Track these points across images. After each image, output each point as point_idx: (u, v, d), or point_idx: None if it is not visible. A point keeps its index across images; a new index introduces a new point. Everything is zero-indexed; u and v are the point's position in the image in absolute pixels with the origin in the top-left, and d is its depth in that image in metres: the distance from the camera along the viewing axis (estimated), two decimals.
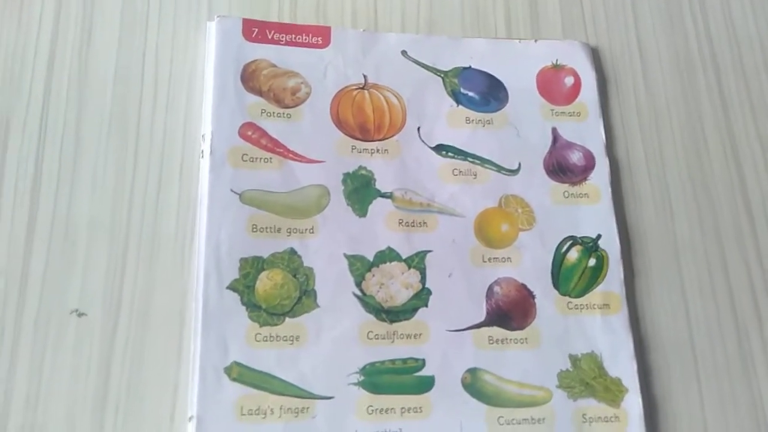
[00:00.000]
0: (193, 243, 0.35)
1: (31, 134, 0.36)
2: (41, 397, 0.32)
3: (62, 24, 0.39)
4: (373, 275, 0.36)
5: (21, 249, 0.34)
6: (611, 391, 0.36)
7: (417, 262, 0.37)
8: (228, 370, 0.33)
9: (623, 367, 0.36)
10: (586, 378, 0.36)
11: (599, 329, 0.37)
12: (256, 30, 0.39)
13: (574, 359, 0.36)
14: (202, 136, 0.37)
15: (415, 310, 0.36)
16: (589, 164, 0.40)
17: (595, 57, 0.43)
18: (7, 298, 0.33)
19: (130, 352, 0.33)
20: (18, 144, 0.36)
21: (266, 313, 0.34)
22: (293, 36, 0.40)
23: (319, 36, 0.40)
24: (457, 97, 0.40)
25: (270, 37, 0.39)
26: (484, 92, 0.41)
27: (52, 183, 0.36)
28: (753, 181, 0.42)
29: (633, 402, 0.36)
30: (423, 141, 0.39)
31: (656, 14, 0.46)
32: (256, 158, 0.37)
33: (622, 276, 0.38)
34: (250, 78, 0.38)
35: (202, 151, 0.37)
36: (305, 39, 0.40)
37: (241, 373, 0.33)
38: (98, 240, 0.35)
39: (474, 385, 0.35)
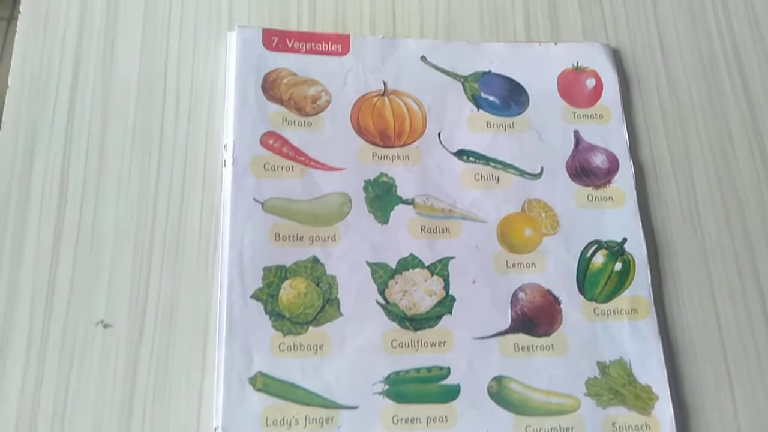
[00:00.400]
0: (217, 252, 0.36)
1: (57, 147, 0.37)
2: (68, 408, 0.32)
3: (86, 37, 0.39)
4: (396, 282, 0.36)
5: (48, 261, 0.35)
6: (641, 399, 0.35)
7: (440, 269, 0.36)
8: (252, 381, 0.33)
9: (653, 373, 0.36)
10: (615, 385, 0.35)
11: (627, 335, 0.36)
12: (276, 39, 0.39)
13: (602, 366, 0.35)
14: (224, 145, 0.37)
15: (439, 317, 0.35)
16: (613, 167, 0.40)
17: (617, 58, 0.43)
18: (34, 310, 0.34)
19: (155, 363, 0.33)
20: (44, 156, 0.37)
21: (290, 322, 0.34)
22: (313, 44, 0.40)
23: (338, 44, 0.40)
24: (478, 102, 0.40)
25: (290, 45, 0.39)
26: (504, 96, 0.40)
27: (77, 194, 0.36)
28: None
29: (664, 410, 0.35)
30: (444, 146, 0.39)
31: (678, 13, 0.45)
32: (278, 167, 0.37)
33: (649, 280, 0.37)
34: (271, 87, 0.38)
35: (225, 161, 0.37)
36: (325, 47, 0.40)
37: (265, 384, 0.33)
38: (123, 250, 0.35)
39: (500, 393, 0.34)
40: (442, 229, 0.37)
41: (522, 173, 0.39)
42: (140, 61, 0.39)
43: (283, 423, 0.32)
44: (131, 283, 0.35)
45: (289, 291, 0.34)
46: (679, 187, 0.41)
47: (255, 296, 0.34)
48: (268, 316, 0.34)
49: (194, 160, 0.37)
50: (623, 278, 0.37)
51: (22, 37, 0.39)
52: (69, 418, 0.32)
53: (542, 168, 0.39)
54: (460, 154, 0.39)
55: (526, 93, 0.41)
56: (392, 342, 0.35)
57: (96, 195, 0.36)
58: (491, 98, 0.40)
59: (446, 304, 0.36)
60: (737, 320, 0.38)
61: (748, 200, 0.41)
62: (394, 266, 0.36)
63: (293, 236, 0.35)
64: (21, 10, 0.39)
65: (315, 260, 0.35)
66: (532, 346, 0.36)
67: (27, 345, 0.33)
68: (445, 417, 0.34)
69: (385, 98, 0.39)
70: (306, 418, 0.32)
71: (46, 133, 0.37)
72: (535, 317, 0.36)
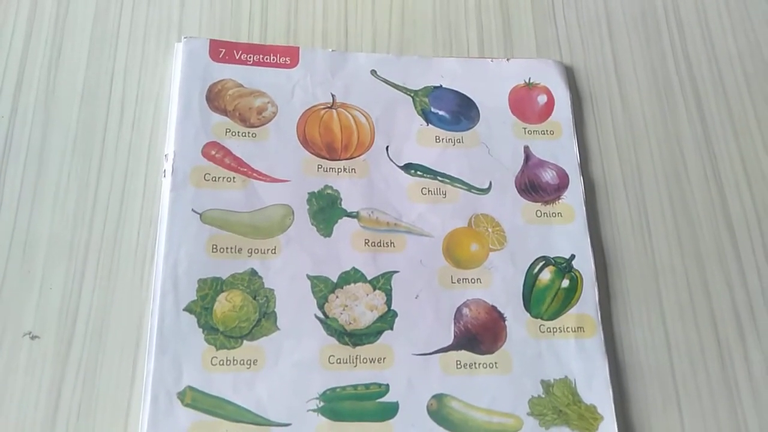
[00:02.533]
0: (153, 264, 0.35)
1: None
2: None
3: (33, 43, 0.39)
4: (337, 297, 0.35)
5: None
6: (586, 419, 0.34)
7: (383, 283, 0.36)
8: (181, 395, 0.32)
9: (598, 393, 0.35)
10: (559, 405, 0.34)
11: (573, 353, 0.35)
12: (223, 51, 0.39)
13: (546, 385, 0.35)
14: (165, 155, 0.37)
15: (379, 333, 0.35)
16: (563, 183, 0.39)
17: (570, 76, 0.43)
18: None
19: (82, 375, 0.32)
20: None
21: (223, 335, 0.33)
22: (261, 56, 0.39)
23: (287, 56, 0.40)
24: (427, 116, 0.40)
25: (237, 57, 0.39)
26: (454, 111, 0.40)
27: (12, 202, 0.35)
28: (735, 201, 0.41)
29: (609, 430, 0.34)
30: (391, 160, 0.39)
31: (632, 32, 0.45)
32: (219, 177, 0.36)
33: (597, 298, 0.37)
34: (216, 98, 0.38)
35: (165, 171, 0.36)
36: (273, 59, 0.39)
37: (194, 399, 0.32)
38: (56, 260, 0.34)
39: (440, 411, 0.33)
40: (387, 242, 0.37)
41: (470, 188, 0.38)
42: (86, 70, 0.39)
43: None
44: (62, 294, 0.34)
45: (224, 304, 0.34)
46: (630, 205, 0.40)
47: (188, 309, 0.33)
48: (201, 330, 0.33)
49: (135, 170, 0.37)
50: (570, 295, 0.37)
51: None
52: None
53: (491, 183, 0.39)
54: (408, 167, 0.39)
55: (476, 108, 0.41)
56: (330, 357, 0.34)
57: (32, 202, 0.35)
58: (441, 113, 0.40)
59: (387, 319, 0.35)
60: (687, 340, 0.37)
61: (700, 220, 0.40)
62: (335, 280, 0.35)
63: (231, 248, 0.35)
64: None
65: (253, 273, 0.35)
66: (475, 364, 0.35)
67: None
68: None
69: (333, 111, 0.39)
70: None
71: None
72: (479, 334, 0.35)
